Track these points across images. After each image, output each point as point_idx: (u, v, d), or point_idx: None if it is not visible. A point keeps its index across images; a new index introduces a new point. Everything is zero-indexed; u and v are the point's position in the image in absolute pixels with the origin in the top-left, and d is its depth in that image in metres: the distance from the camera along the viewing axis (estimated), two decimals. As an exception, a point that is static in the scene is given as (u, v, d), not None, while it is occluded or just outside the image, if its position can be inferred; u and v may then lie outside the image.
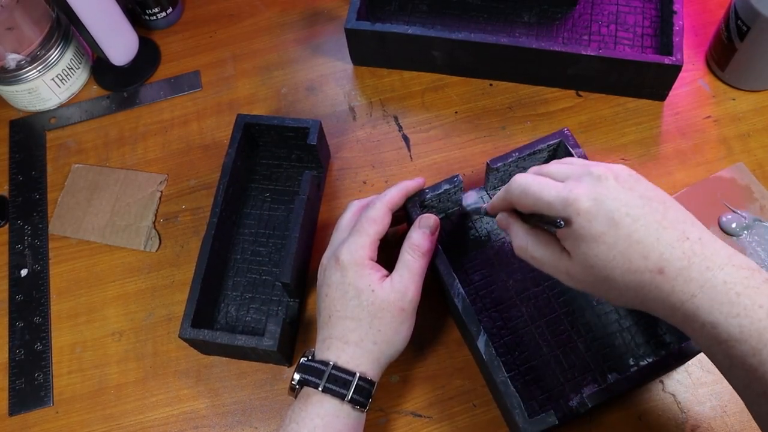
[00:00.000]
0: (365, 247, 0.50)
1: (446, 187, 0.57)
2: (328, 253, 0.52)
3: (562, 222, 0.42)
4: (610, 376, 0.53)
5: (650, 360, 0.52)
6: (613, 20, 0.70)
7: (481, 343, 0.50)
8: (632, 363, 0.53)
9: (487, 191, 0.61)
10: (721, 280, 0.39)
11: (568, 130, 0.58)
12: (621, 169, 0.43)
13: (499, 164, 0.58)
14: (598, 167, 0.43)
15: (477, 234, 0.60)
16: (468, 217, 0.60)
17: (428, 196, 0.56)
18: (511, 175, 0.60)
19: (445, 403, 0.55)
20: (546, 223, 0.44)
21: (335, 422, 0.46)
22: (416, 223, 0.52)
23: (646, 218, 0.40)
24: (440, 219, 0.54)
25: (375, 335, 0.48)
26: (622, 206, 0.41)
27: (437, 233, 0.53)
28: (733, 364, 0.39)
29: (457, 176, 0.57)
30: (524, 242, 0.47)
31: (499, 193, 0.48)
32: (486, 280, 0.58)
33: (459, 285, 0.52)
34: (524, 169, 0.60)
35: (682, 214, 0.42)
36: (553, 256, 0.45)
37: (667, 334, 0.53)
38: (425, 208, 0.57)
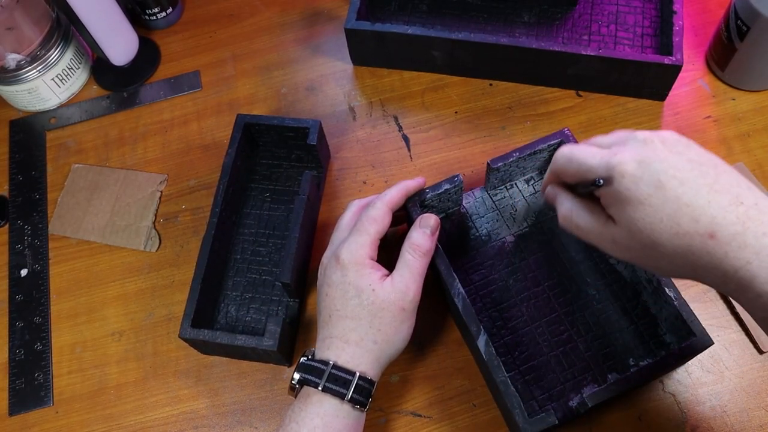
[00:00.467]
0: (365, 247, 0.50)
1: (446, 186, 0.57)
2: (328, 252, 0.52)
3: (601, 180, 0.40)
4: (610, 376, 0.53)
5: (650, 360, 0.52)
6: (613, 20, 0.70)
7: (481, 343, 0.50)
8: (632, 363, 0.53)
9: (487, 191, 0.61)
10: None
11: (568, 130, 0.58)
12: (669, 134, 0.41)
13: (499, 164, 0.58)
14: (643, 132, 0.41)
15: (477, 234, 0.60)
16: (468, 217, 0.60)
17: (428, 195, 0.56)
18: (511, 175, 0.60)
19: (445, 403, 0.55)
20: (588, 186, 0.43)
21: (335, 422, 0.46)
22: (417, 222, 0.52)
23: (696, 181, 0.38)
24: (440, 219, 0.54)
25: (375, 335, 0.48)
26: (669, 168, 0.39)
27: (437, 233, 0.53)
28: None
29: (457, 176, 0.57)
30: (569, 211, 0.45)
31: (548, 168, 0.48)
32: (486, 280, 0.58)
33: (459, 285, 0.52)
34: (524, 169, 0.60)
35: (736, 179, 0.39)
36: (597, 223, 0.43)
37: (667, 334, 0.53)
38: (425, 207, 0.57)
